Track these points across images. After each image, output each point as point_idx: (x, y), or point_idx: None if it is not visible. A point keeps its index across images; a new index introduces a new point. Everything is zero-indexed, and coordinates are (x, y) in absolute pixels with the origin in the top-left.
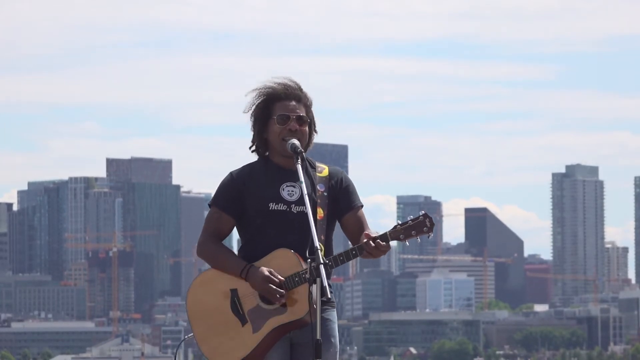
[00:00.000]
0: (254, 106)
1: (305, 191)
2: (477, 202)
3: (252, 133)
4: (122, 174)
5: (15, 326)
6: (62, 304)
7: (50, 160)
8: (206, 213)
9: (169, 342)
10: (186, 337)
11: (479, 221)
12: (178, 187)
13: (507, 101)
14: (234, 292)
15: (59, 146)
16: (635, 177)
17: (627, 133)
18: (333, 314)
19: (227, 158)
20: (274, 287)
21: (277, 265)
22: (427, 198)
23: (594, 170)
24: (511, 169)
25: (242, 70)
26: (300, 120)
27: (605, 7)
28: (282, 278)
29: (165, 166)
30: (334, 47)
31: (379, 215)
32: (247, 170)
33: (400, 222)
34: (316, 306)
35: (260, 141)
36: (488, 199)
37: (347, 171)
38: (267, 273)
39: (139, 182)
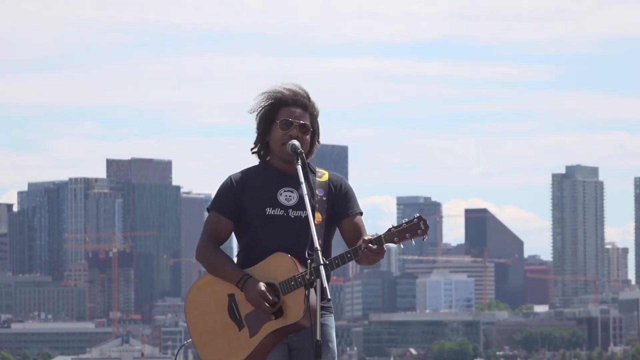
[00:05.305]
0: (261, 108)
1: (305, 191)
2: (476, 203)
3: (256, 135)
4: (122, 175)
5: (15, 327)
6: (62, 304)
7: (50, 161)
8: (206, 215)
9: (169, 342)
10: (185, 342)
11: (478, 222)
12: (178, 187)
13: (507, 102)
14: (231, 297)
15: (59, 146)
16: (635, 178)
17: (624, 133)
18: (330, 319)
19: (227, 158)
20: (267, 305)
21: (273, 269)
22: (427, 199)
23: (593, 170)
24: (511, 169)
25: (241, 71)
26: (303, 128)
27: (602, 9)
28: (277, 299)
29: (165, 167)
30: (333, 48)
31: (379, 216)
32: (246, 174)
33: (394, 225)
34: (316, 307)
35: (263, 144)
36: (488, 199)
37: (347, 172)
38: (262, 289)
39: (139, 183)
